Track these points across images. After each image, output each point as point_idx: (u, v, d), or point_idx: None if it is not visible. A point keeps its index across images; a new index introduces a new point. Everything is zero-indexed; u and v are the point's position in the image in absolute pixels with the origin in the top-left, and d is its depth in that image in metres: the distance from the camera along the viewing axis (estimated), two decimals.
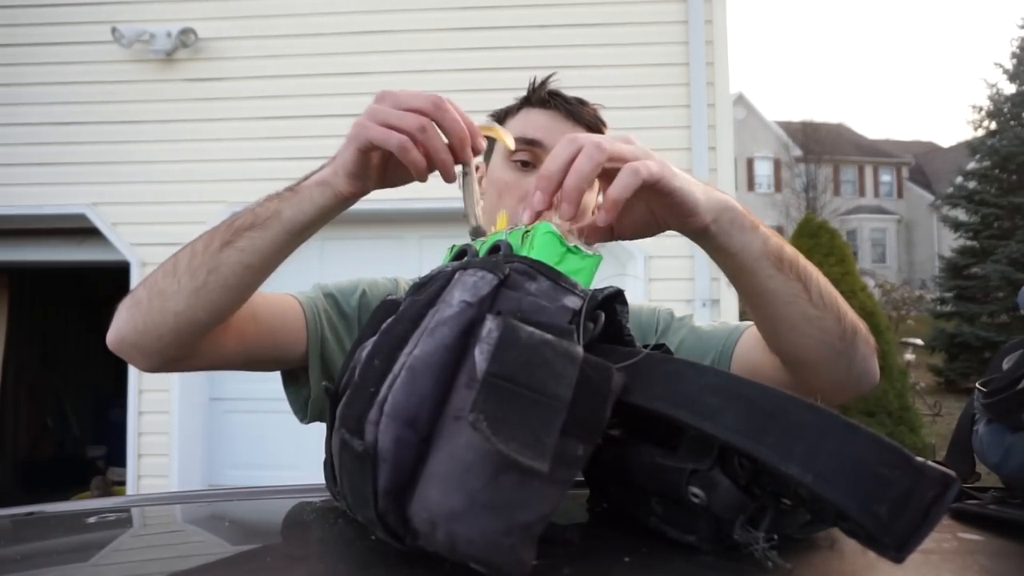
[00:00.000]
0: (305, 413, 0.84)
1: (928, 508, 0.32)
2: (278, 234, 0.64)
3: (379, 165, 0.64)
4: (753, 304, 0.69)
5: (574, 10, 3.78)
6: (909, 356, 9.68)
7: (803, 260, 0.67)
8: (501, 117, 0.96)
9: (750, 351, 0.81)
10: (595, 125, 0.92)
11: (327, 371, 0.83)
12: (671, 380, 0.39)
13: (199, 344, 0.70)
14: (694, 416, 0.37)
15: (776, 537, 0.39)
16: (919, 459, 0.34)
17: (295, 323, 0.81)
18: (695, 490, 0.39)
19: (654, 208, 0.62)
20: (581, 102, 0.94)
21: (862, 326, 0.72)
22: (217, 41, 3.83)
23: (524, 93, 0.96)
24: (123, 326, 0.69)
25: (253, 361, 0.79)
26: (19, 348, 5.38)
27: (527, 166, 0.90)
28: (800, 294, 0.65)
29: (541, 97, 0.93)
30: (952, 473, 0.33)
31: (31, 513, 0.60)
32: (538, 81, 0.95)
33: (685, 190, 0.58)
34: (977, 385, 0.75)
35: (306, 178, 0.64)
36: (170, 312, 0.65)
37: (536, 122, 0.91)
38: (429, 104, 0.59)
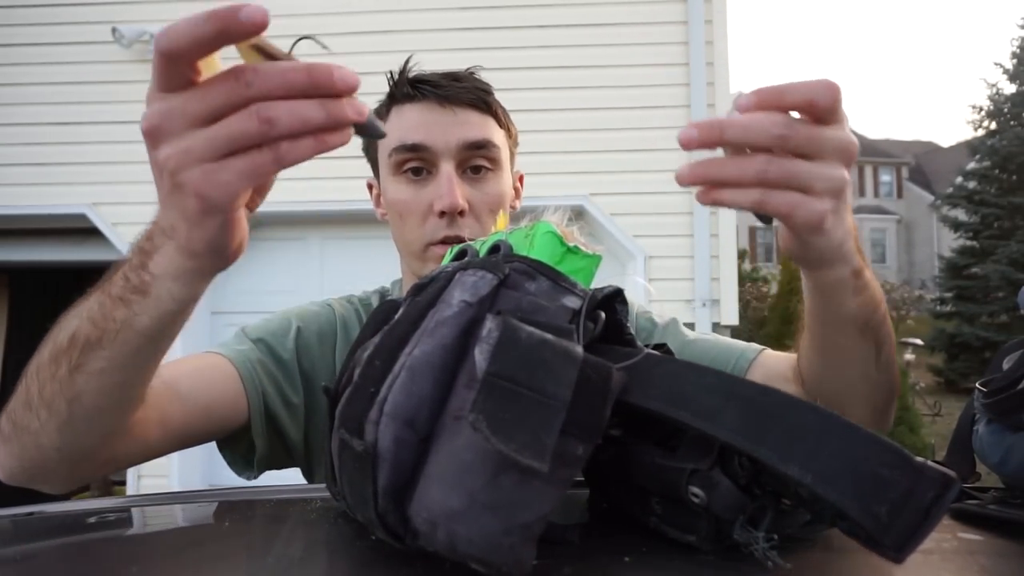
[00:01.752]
0: (253, 468, 0.77)
1: (928, 508, 0.32)
2: (140, 345, 0.48)
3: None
4: (817, 347, 0.64)
5: (574, 10, 3.78)
6: (909, 356, 9.69)
7: (887, 324, 0.61)
8: None
9: (767, 377, 0.75)
10: (480, 100, 0.82)
11: (271, 425, 0.75)
12: (669, 380, 0.39)
13: (107, 456, 0.58)
14: (693, 416, 0.37)
15: (776, 537, 0.39)
16: (919, 459, 0.34)
17: (231, 390, 0.71)
18: (695, 490, 0.39)
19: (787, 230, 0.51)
20: (453, 77, 0.82)
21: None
22: None
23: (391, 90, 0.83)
24: (4, 462, 0.56)
25: (186, 443, 0.68)
26: (19, 348, 5.38)
27: (419, 174, 0.80)
28: (869, 358, 0.60)
29: (405, 91, 0.81)
30: (952, 473, 0.33)
31: (31, 513, 0.60)
32: (397, 72, 0.82)
33: (833, 247, 0.49)
34: (977, 385, 0.75)
35: (139, 262, 0.46)
36: (47, 448, 0.53)
37: (410, 121, 0.80)
38: (235, 81, 0.36)
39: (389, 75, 0.83)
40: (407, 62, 0.83)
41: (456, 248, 0.55)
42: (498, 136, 0.84)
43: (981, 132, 14.65)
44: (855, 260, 0.53)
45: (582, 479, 0.47)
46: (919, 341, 10.34)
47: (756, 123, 0.41)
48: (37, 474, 0.57)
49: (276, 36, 0.37)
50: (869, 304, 0.57)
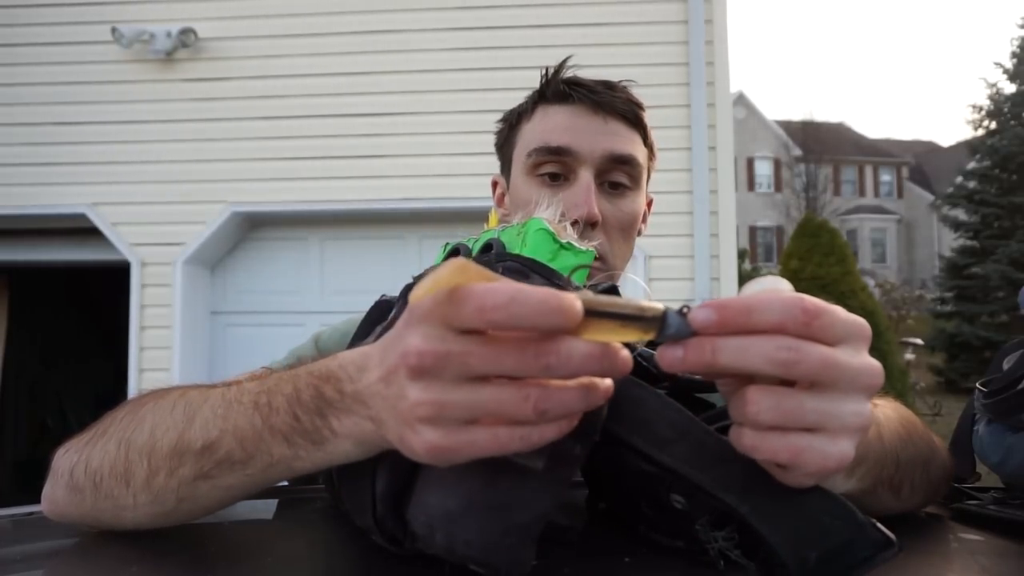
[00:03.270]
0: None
1: (857, 565, 0.33)
2: (282, 477, 0.45)
3: None
4: None
5: (574, 10, 3.78)
6: (909, 356, 9.69)
7: (911, 450, 0.51)
8: (514, 121, 0.83)
9: None
10: (632, 114, 0.78)
11: None
12: (634, 405, 0.39)
13: None
14: (646, 443, 0.38)
15: (737, 536, 0.39)
16: (865, 517, 0.34)
17: None
18: (677, 497, 0.39)
19: None
20: (608, 85, 0.79)
21: (946, 461, 0.60)
22: (217, 41, 3.82)
23: (538, 87, 0.80)
24: (64, 507, 0.52)
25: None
26: (19, 348, 5.37)
27: (556, 179, 0.77)
28: (883, 499, 0.51)
29: (559, 90, 0.78)
30: (893, 538, 0.34)
31: (31, 513, 0.60)
32: (551, 71, 0.79)
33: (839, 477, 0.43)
34: (977, 385, 0.75)
35: (317, 408, 0.40)
36: (128, 520, 0.49)
37: (557, 123, 0.77)
38: (530, 367, 0.32)
39: (543, 72, 0.79)
40: (564, 62, 0.79)
41: (448, 246, 0.54)
42: (642, 154, 0.80)
43: (981, 132, 14.64)
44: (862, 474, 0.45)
45: (581, 479, 0.47)
46: (919, 341, 10.34)
47: (756, 346, 0.33)
48: (94, 526, 0.52)
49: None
50: (871, 473, 0.47)
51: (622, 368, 0.32)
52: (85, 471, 0.49)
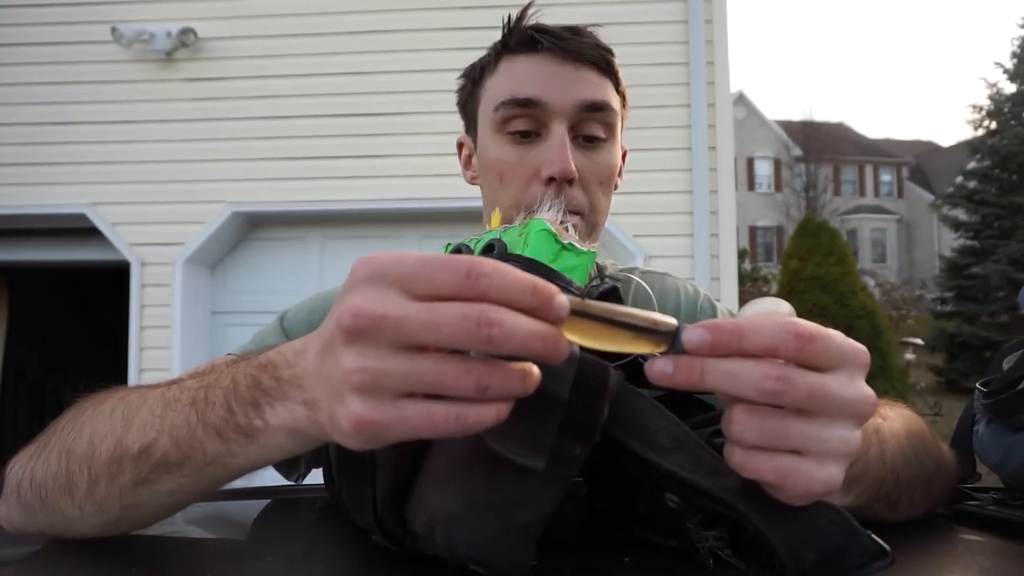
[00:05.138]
0: (300, 468, 0.69)
1: (851, 571, 0.33)
2: (220, 479, 0.43)
3: None
4: None
5: (574, 10, 3.78)
6: (909, 356, 9.69)
7: (907, 479, 0.50)
8: (477, 76, 0.77)
9: None
10: (603, 60, 0.74)
11: None
12: (632, 413, 0.39)
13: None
14: (643, 446, 0.38)
15: (727, 536, 0.39)
16: (860, 526, 0.34)
17: None
18: (671, 496, 0.39)
19: None
20: (575, 31, 0.74)
21: (951, 474, 0.59)
22: (217, 41, 3.82)
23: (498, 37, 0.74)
24: (19, 524, 0.51)
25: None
26: (19, 348, 5.38)
27: (528, 136, 0.72)
28: (878, 512, 0.50)
29: (523, 39, 0.72)
30: (888, 550, 0.34)
31: None
32: (513, 18, 0.74)
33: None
34: (977, 385, 0.75)
35: (251, 398, 0.38)
36: (79, 532, 0.48)
37: (524, 73, 0.72)
38: (471, 336, 0.30)
39: (505, 21, 0.74)
40: (526, 9, 0.74)
41: (450, 246, 0.54)
42: (615, 101, 0.75)
43: (981, 132, 14.64)
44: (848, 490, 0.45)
45: (580, 478, 0.47)
46: (919, 341, 10.34)
47: (745, 373, 0.33)
48: (50, 536, 0.51)
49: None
50: (868, 491, 0.47)
51: (562, 354, 0.31)
52: (31, 486, 0.48)
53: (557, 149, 0.70)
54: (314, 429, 0.36)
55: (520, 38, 0.72)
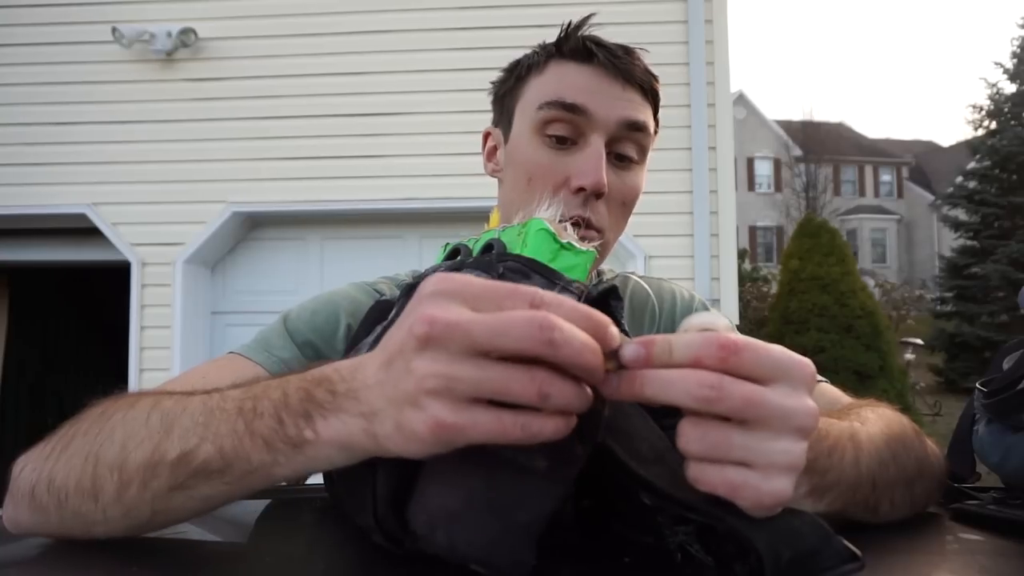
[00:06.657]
0: None
1: (822, 571, 0.33)
2: (258, 487, 0.43)
3: None
4: None
5: (574, 10, 3.76)
6: (909, 356, 9.68)
7: (885, 483, 0.51)
8: (522, 73, 0.77)
9: None
10: (649, 85, 0.75)
11: None
12: (620, 418, 0.39)
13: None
14: (625, 452, 0.38)
15: (695, 532, 0.39)
16: (831, 530, 0.35)
17: None
18: (646, 494, 0.39)
19: None
20: (627, 51, 0.74)
21: (937, 474, 0.59)
22: (217, 41, 3.82)
23: (553, 40, 0.75)
24: (28, 527, 0.50)
25: None
26: (19, 348, 5.37)
27: (564, 143, 0.72)
28: (858, 517, 0.50)
29: (578, 47, 0.73)
30: (859, 555, 0.34)
31: None
32: (572, 25, 0.75)
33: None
34: (977, 385, 0.75)
35: (303, 410, 0.39)
36: (99, 533, 0.47)
37: (574, 81, 0.72)
38: (534, 340, 0.32)
39: (566, 23, 0.74)
40: (587, 19, 0.75)
41: (449, 246, 0.54)
42: (651, 126, 0.77)
43: (981, 132, 14.64)
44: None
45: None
46: (919, 341, 10.33)
47: (680, 381, 0.34)
48: (61, 538, 0.51)
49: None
50: (842, 497, 0.47)
51: (600, 374, 0.34)
52: (48, 489, 0.47)
53: (593, 161, 0.70)
54: (367, 441, 0.36)
55: (575, 46, 0.73)
